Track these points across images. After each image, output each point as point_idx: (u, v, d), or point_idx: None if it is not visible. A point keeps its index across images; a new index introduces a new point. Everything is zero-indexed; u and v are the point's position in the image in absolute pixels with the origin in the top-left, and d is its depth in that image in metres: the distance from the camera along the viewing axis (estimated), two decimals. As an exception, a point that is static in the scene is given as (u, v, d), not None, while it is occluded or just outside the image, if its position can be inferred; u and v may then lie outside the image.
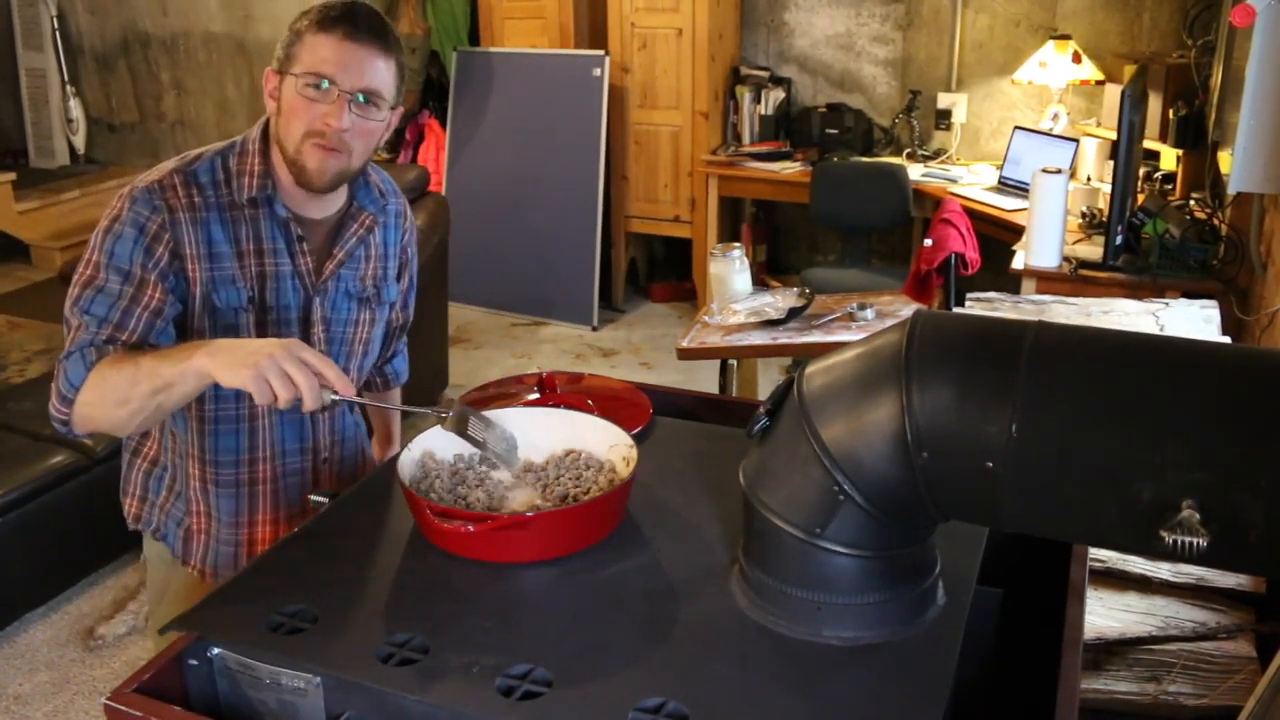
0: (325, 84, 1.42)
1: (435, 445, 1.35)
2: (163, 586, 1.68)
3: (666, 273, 5.64)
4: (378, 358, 1.76)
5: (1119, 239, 3.23)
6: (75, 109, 6.58)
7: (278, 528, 1.61)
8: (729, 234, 5.14)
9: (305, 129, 1.44)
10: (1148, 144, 3.67)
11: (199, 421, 1.54)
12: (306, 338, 1.55)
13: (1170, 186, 3.75)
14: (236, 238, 1.49)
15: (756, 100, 5.05)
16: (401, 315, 1.80)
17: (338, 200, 1.59)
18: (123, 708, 1.01)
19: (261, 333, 1.51)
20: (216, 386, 1.47)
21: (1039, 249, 3.30)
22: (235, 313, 1.49)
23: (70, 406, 1.39)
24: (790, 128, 5.06)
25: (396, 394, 1.93)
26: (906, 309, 3.11)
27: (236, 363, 1.27)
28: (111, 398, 1.36)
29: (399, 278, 1.72)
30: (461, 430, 1.30)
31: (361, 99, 1.44)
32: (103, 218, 1.46)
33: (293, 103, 1.44)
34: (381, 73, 1.45)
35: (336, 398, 1.30)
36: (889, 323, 2.52)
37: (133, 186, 1.47)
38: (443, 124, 5.47)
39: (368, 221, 1.61)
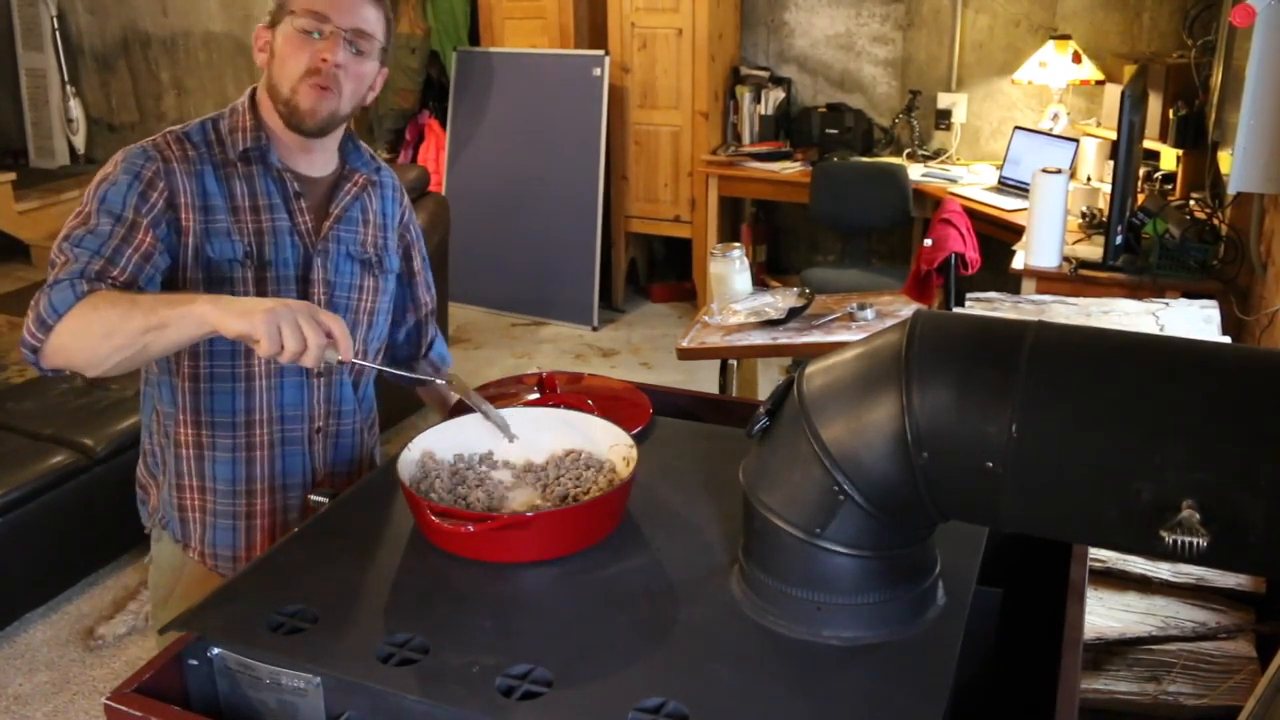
0: (320, 22, 1.47)
1: (435, 445, 1.35)
2: (168, 589, 1.67)
3: (666, 273, 5.64)
4: (388, 339, 1.75)
5: (1119, 239, 3.23)
6: (75, 109, 6.59)
7: (274, 498, 1.60)
8: (729, 234, 5.14)
9: (303, 68, 1.48)
10: (1148, 144, 3.67)
11: (193, 381, 1.53)
12: (306, 297, 1.55)
13: (1170, 186, 3.75)
14: (231, 193, 1.51)
15: (756, 100, 5.05)
16: (428, 297, 1.81)
17: (330, 160, 1.62)
18: (123, 708, 1.01)
19: (260, 290, 1.51)
20: (212, 343, 1.47)
21: (1039, 249, 3.31)
22: (230, 265, 1.49)
23: (47, 333, 1.35)
24: (790, 128, 5.06)
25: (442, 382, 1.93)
26: (906, 309, 3.11)
27: (246, 310, 1.26)
28: (99, 329, 1.32)
29: (409, 256, 1.74)
30: (465, 391, 1.35)
31: (354, 39, 1.49)
32: (95, 176, 1.47)
33: (289, 43, 1.48)
34: (372, 17, 1.51)
35: (339, 359, 1.30)
36: (889, 323, 2.52)
37: (125, 148, 1.49)
38: (443, 124, 5.47)
39: (361, 181, 1.64)
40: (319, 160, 1.60)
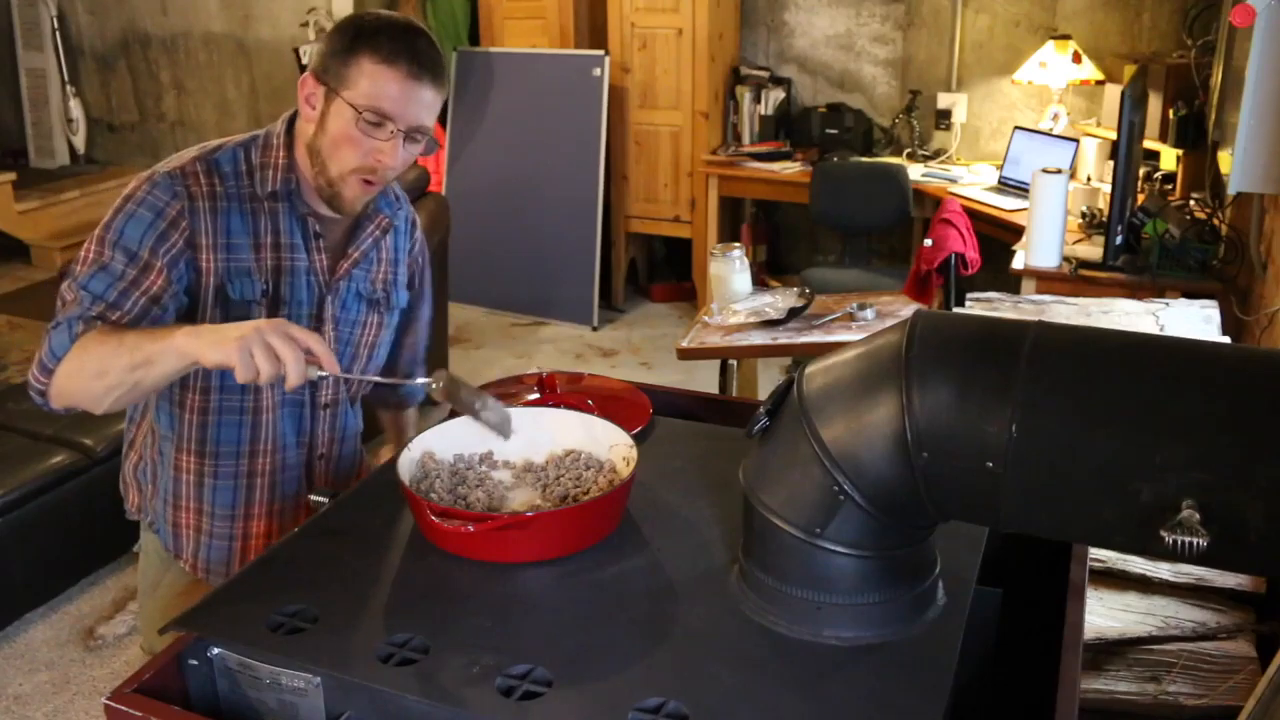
0: (384, 119, 1.40)
1: (435, 445, 1.35)
2: (155, 579, 1.68)
3: (666, 273, 5.64)
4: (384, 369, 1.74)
5: (1119, 239, 3.23)
6: (75, 109, 6.59)
7: (271, 522, 1.61)
8: (729, 234, 5.14)
9: (357, 163, 1.44)
10: (1148, 144, 3.67)
11: (200, 414, 1.53)
12: None
13: (1170, 186, 3.75)
14: (255, 230, 1.49)
15: (756, 100, 5.05)
16: (413, 335, 1.78)
17: None
18: (123, 708, 1.01)
19: None
20: (223, 376, 1.47)
21: (1039, 249, 3.31)
22: (249, 306, 1.48)
23: (50, 377, 1.37)
24: (790, 128, 5.06)
25: (412, 413, 1.91)
26: (906, 309, 3.11)
27: (219, 340, 1.25)
28: (91, 368, 1.34)
29: (409, 285, 1.72)
30: (453, 395, 1.29)
31: (412, 134, 1.44)
32: (120, 198, 1.45)
33: (346, 132, 1.42)
34: (433, 102, 1.44)
35: (322, 374, 1.28)
36: (889, 323, 2.52)
37: (154, 171, 1.46)
38: (443, 124, 5.46)
39: (384, 224, 1.62)
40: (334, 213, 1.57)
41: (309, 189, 1.51)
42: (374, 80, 1.39)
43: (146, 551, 1.70)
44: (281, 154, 1.49)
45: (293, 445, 1.60)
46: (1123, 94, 3.07)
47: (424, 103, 1.42)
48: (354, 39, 1.40)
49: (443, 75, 1.45)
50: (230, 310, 1.47)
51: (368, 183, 1.46)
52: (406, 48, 1.40)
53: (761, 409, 1.10)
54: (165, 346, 1.29)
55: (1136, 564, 1.80)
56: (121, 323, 1.38)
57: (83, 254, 1.43)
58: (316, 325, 1.55)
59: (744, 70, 5.14)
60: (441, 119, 5.46)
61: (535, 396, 1.59)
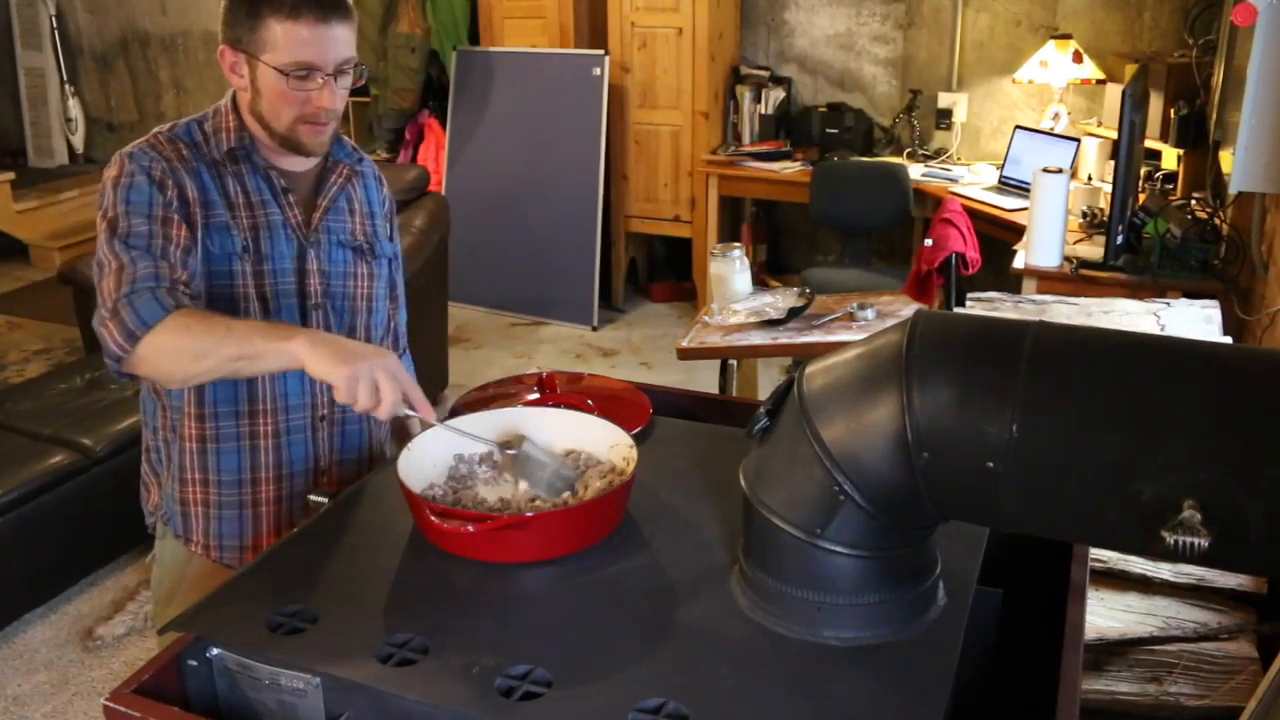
0: (310, 71, 1.47)
1: (436, 445, 1.35)
2: (171, 589, 1.67)
3: (666, 273, 5.64)
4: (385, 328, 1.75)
5: (1120, 239, 3.23)
6: (74, 109, 6.59)
7: (279, 485, 1.61)
8: (729, 234, 5.14)
9: (296, 114, 1.50)
10: (1149, 144, 3.67)
11: None
12: (303, 288, 1.58)
13: (1171, 186, 3.75)
14: (225, 190, 1.53)
15: (756, 100, 5.05)
16: (394, 303, 1.79)
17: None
18: (122, 708, 1.01)
19: (259, 281, 1.53)
20: None
21: (1040, 249, 3.30)
22: (230, 258, 1.52)
23: (135, 344, 1.37)
24: (790, 127, 5.06)
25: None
26: (907, 309, 3.11)
27: (336, 360, 1.30)
28: (191, 349, 1.37)
29: (389, 238, 1.75)
30: (522, 471, 1.30)
31: (339, 70, 1.49)
32: (105, 182, 1.49)
33: (278, 90, 1.48)
34: (350, 40, 1.51)
35: (413, 414, 1.34)
36: (889, 323, 2.51)
37: (123, 151, 1.51)
38: (443, 124, 5.47)
39: (345, 172, 1.66)
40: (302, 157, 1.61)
41: (266, 147, 1.57)
42: (287, 37, 1.45)
43: (160, 562, 1.69)
44: (230, 118, 1.56)
45: (295, 406, 1.60)
46: (1124, 93, 3.07)
47: (340, 40, 1.48)
48: (253, 2, 1.46)
49: (346, 5, 1.50)
50: (212, 264, 1.50)
51: (317, 124, 1.51)
52: None
53: (761, 409, 1.10)
54: (280, 348, 1.34)
55: (1137, 564, 1.80)
56: (182, 280, 1.42)
57: (102, 227, 1.45)
58: (301, 278, 1.58)
59: (744, 70, 5.14)
60: (441, 119, 5.47)
61: (535, 396, 1.59)
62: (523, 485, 1.30)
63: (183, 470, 1.60)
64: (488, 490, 1.31)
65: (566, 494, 1.29)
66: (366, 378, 1.29)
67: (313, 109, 1.49)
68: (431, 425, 1.35)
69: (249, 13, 1.46)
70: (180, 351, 1.38)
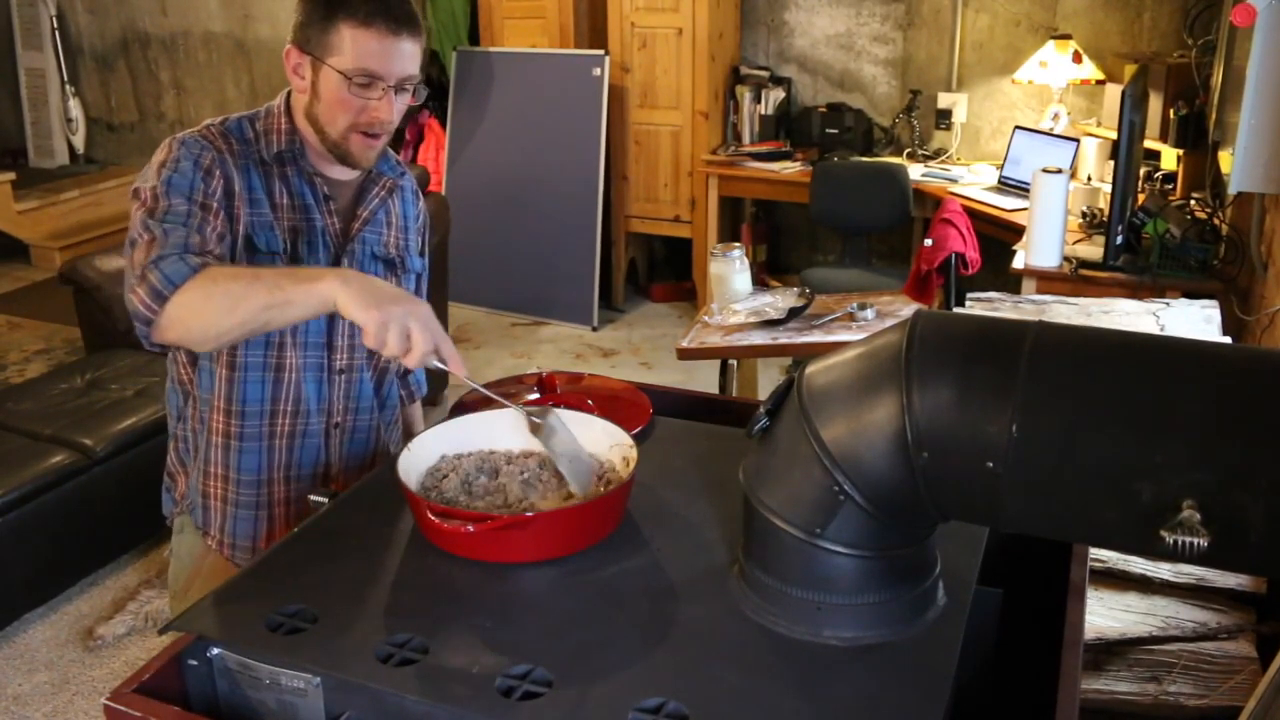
0: (373, 79, 1.47)
1: (436, 445, 1.35)
2: (187, 582, 1.68)
3: (666, 273, 5.64)
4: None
5: (1119, 239, 3.23)
6: (75, 109, 6.58)
7: (288, 486, 1.62)
8: (729, 234, 5.14)
9: (352, 122, 1.50)
10: (1148, 144, 3.67)
11: (229, 369, 1.56)
12: None
13: (1171, 186, 3.75)
14: (270, 190, 1.54)
15: (756, 100, 5.05)
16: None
17: None
18: (122, 708, 1.01)
19: None
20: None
21: (1039, 249, 3.30)
22: (273, 258, 1.52)
23: (163, 304, 1.36)
24: (790, 127, 5.06)
25: (418, 407, 1.92)
26: (906, 309, 3.11)
27: (370, 301, 1.28)
28: (220, 303, 1.35)
29: (420, 252, 1.75)
30: (546, 442, 1.31)
31: (402, 85, 1.50)
32: (152, 167, 1.48)
33: (339, 96, 1.48)
34: (417, 56, 1.51)
35: (442, 366, 1.30)
36: (889, 323, 2.52)
37: (174, 137, 1.50)
38: (443, 124, 5.46)
39: (389, 184, 1.67)
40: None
41: (315, 153, 1.57)
42: (356, 44, 1.45)
43: (177, 555, 1.70)
44: (283, 120, 1.56)
45: (312, 411, 1.61)
46: (1123, 94, 3.07)
47: (407, 54, 1.48)
48: (329, 6, 1.46)
49: (418, 23, 1.51)
50: (255, 261, 1.50)
51: (371, 136, 1.52)
52: (380, 6, 1.46)
53: (761, 409, 1.10)
54: (310, 289, 1.32)
55: (1137, 564, 1.80)
56: (213, 253, 1.41)
57: (138, 207, 1.44)
58: None
59: (744, 70, 5.14)
60: (441, 119, 5.47)
61: (535, 396, 1.59)
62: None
63: (208, 463, 1.62)
64: (488, 490, 1.30)
65: (575, 488, 1.29)
66: (398, 323, 1.27)
67: (368, 118, 1.49)
68: (462, 381, 1.33)
69: (324, 15, 1.46)
70: (208, 305, 1.35)
